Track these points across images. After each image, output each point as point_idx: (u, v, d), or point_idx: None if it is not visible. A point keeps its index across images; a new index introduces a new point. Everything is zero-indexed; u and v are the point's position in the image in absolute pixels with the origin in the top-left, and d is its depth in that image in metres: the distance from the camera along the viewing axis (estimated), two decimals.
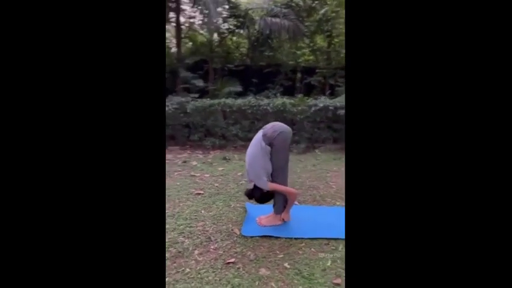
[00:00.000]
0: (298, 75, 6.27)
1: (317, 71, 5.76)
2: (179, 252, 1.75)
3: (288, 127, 2.09)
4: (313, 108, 4.38)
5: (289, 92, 5.75)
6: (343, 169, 3.42)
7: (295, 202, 2.50)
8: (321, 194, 2.69)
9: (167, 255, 1.71)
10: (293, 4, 5.84)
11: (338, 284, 1.48)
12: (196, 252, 1.75)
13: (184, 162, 3.71)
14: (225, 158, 3.85)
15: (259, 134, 2.06)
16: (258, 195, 2.08)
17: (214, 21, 4.62)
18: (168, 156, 4.03)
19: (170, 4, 6.22)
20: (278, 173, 2.03)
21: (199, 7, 4.85)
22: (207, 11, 4.62)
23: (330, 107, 4.32)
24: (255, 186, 2.08)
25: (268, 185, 1.99)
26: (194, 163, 3.67)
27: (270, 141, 1.98)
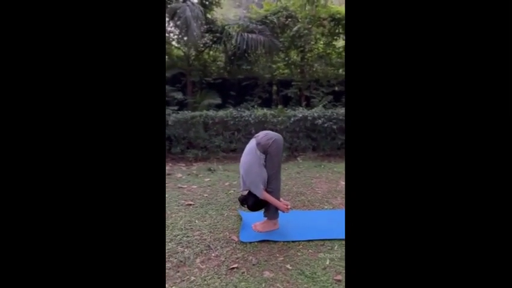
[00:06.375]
0: (275, 87, 6.48)
1: (293, 83, 6.01)
2: (181, 261, 1.74)
3: (280, 135, 2.19)
4: (292, 119, 4.56)
5: (266, 103, 5.93)
6: (325, 175, 3.58)
7: None
8: (309, 199, 2.80)
9: (168, 265, 1.70)
10: (267, 21, 6.11)
11: (339, 281, 1.57)
12: (198, 260, 1.76)
13: (168, 174, 3.66)
14: (209, 169, 3.86)
15: (253, 142, 2.13)
16: (251, 202, 2.10)
17: (195, 34, 4.68)
18: None
19: None
20: (272, 179, 2.10)
21: (178, 22, 4.90)
22: (185, 26, 4.68)
23: (309, 117, 4.53)
24: (249, 192, 2.13)
25: (262, 194, 2.04)
26: (179, 175, 3.63)
27: (264, 149, 2.06)
